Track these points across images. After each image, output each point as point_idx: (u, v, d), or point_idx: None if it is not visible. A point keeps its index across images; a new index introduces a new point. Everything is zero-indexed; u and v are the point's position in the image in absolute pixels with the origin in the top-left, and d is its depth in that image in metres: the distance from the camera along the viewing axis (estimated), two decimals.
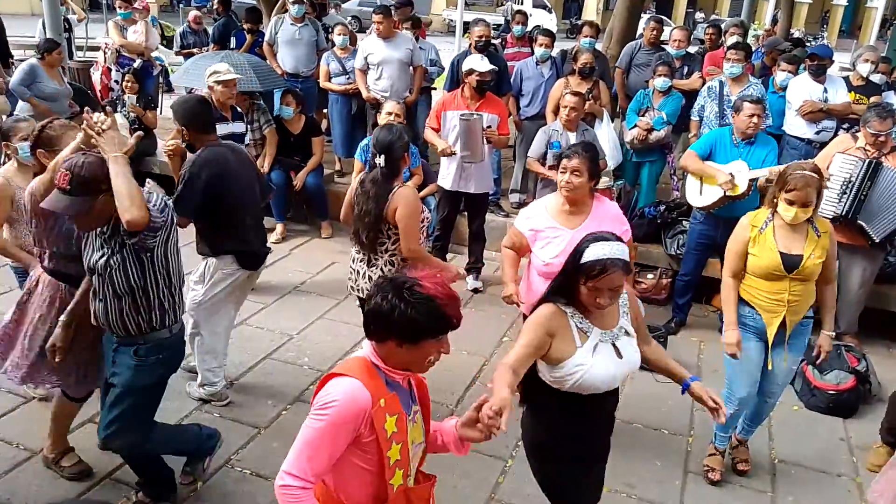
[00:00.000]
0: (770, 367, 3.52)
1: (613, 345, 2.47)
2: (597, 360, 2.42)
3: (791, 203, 3.23)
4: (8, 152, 3.70)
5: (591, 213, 3.50)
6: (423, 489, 2.16)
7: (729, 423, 3.65)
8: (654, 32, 6.99)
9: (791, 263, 3.31)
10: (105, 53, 8.94)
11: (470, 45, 6.42)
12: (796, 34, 18.02)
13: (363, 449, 1.95)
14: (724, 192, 4.67)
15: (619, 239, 2.43)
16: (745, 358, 3.48)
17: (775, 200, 3.33)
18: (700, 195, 4.87)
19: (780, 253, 3.31)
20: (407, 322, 1.86)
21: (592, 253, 2.33)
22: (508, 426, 2.02)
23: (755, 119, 4.59)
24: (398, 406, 1.97)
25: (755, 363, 3.51)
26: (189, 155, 3.82)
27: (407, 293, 1.87)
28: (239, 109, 5.64)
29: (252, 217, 3.93)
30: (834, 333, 3.61)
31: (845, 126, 5.94)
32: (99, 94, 8.38)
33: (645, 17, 28.23)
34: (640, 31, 8.71)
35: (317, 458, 1.90)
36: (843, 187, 4.61)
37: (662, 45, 7.15)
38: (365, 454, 1.96)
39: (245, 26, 8.60)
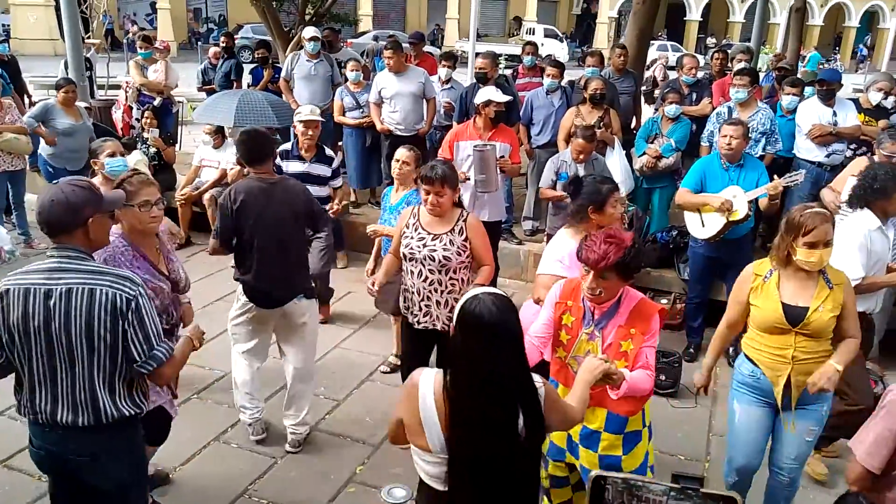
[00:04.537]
0: (779, 435, 3.22)
1: None
2: None
3: (812, 246, 2.92)
4: (95, 168, 4.35)
5: None
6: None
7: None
8: (622, 59, 7.17)
9: (794, 315, 3.00)
10: (126, 92, 9.16)
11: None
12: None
13: None
14: (727, 219, 4.71)
15: None
16: (745, 423, 3.23)
17: (788, 252, 2.99)
18: (703, 227, 4.92)
19: (783, 304, 3.02)
20: None
21: None
22: None
23: (726, 139, 4.71)
24: (578, 313, 2.81)
25: (756, 430, 3.22)
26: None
27: None
28: (328, 152, 5.48)
29: (268, 256, 3.73)
30: (839, 366, 2.99)
31: (857, 148, 5.95)
32: (120, 132, 8.59)
33: (655, 44, 27.84)
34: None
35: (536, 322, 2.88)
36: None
37: (629, 71, 7.33)
38: None
39: (257, 54, 9.54)
